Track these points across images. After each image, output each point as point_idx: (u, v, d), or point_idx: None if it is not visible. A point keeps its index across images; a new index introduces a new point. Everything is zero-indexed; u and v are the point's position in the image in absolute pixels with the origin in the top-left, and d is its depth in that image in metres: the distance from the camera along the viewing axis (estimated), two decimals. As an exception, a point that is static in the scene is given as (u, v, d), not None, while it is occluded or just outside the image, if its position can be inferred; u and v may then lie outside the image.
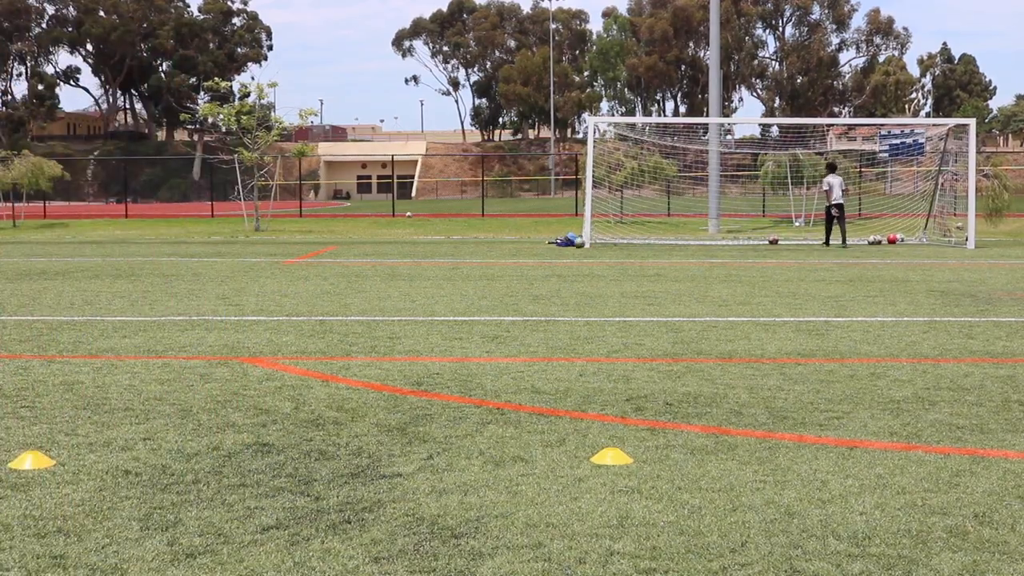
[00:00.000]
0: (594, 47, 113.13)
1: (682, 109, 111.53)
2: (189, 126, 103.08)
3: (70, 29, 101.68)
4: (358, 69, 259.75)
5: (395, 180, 60.69)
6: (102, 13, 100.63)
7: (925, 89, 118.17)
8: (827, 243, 25.27)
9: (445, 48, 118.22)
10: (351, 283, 15.29)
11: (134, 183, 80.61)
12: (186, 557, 4.06)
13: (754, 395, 7.15)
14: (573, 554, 4.09)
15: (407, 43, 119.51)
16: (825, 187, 25.59)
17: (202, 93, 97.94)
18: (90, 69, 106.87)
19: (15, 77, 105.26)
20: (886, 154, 41.38)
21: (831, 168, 26.28)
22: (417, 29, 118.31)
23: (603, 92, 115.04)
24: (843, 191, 25.57)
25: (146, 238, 29.65)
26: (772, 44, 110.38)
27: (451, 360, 8.60)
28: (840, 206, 25.27)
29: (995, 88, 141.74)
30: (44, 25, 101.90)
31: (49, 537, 4.28)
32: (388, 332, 10.20)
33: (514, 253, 22.62)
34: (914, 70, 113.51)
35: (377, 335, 9.99)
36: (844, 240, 25.30)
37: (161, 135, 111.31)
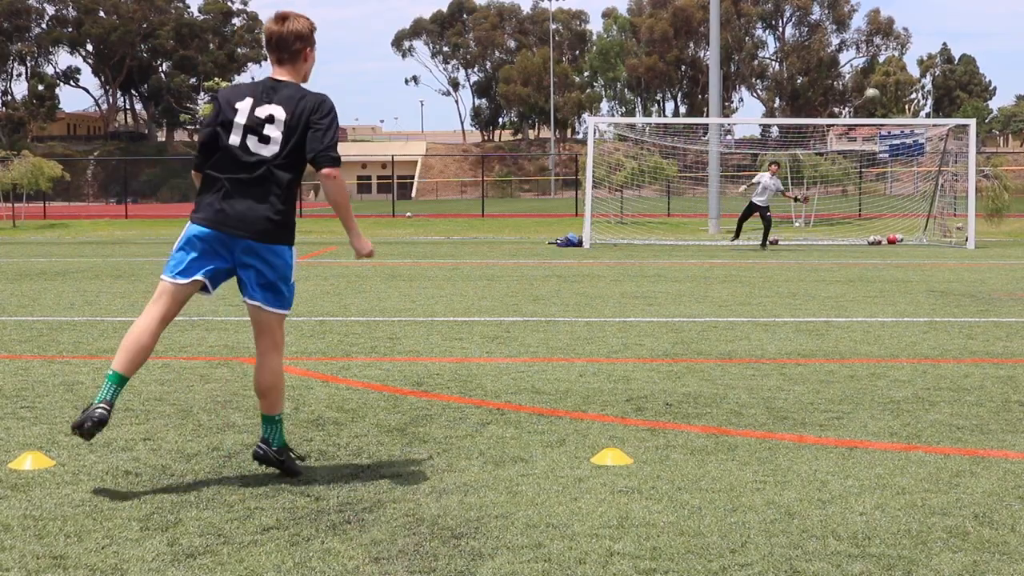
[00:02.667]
0: (594, 47, 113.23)
1: (682, 109, 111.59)
2: (189, 126, 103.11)
3: (70, 29, 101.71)
4: (358, 69, 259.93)
5: (395, 180, 60.69)
6: (102, 13, 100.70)
7: (925, 89, 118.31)
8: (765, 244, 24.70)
9: (445, 48, 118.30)
10: (351, 283, 15.29)
11: (134, 183, 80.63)
12: (186, 557, 4.06)
13: (754, 395, 7.15)
14: (573, 555, 4.08)
15: (407, 43, 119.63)
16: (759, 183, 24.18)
17: (202, 94, 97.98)
18: (90, 69, 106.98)
19: (15, 77, 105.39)
20: (886, 154, 41.45)
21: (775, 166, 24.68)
22: (417, 29, 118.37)
23: (603, 92, 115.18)
24: (776, 192, 24.31)
25: (146, 238, 29.66)
26: (772, 44, 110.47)
27: (451, 360, 8.60)
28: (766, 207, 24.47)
29: (995, 88, 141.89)
30: (44, 25, 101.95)
31: (49, 537, 4.28)
32: (388, 332, 10.20)
33: (514, 253, 22.62)
34: (914, 70, 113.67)
35: (377, 335, 9.99)
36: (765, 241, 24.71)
37: (161, 135, 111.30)
